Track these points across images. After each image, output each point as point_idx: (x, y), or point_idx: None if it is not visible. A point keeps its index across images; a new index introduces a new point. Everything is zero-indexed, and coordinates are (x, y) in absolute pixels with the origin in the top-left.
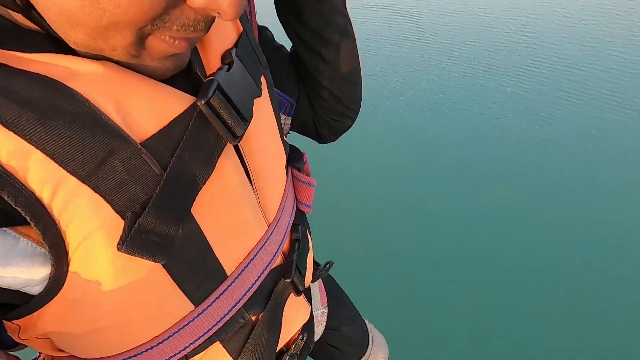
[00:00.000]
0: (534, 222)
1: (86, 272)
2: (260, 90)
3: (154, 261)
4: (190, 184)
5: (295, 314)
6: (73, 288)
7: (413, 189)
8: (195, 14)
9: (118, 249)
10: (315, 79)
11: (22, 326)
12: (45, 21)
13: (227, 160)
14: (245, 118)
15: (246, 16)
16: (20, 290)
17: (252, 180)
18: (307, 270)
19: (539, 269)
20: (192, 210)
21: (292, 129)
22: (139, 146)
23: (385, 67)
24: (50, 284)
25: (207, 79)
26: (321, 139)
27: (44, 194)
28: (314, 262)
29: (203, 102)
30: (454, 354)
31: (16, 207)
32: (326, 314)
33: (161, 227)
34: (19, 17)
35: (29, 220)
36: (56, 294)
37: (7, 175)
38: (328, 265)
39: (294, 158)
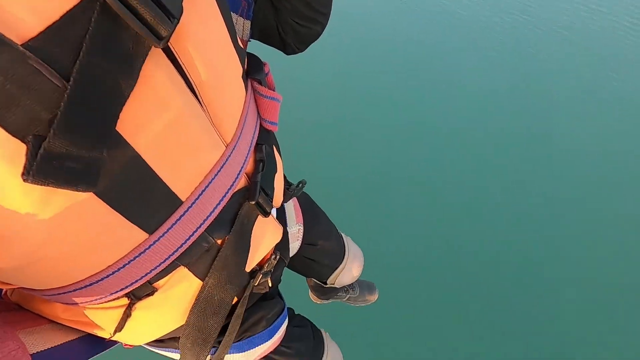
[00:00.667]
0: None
1: None
2: None
3: (77, 191)
4: (107, 97)
5: (265, 235)
6: None
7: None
8: None
9: (23, 180)
10: (278, 32)
11: None
12: None
13: (157, 68)
14: (171, 14)
15: None
16: None
17: (197, 94)
18: (275, 191)
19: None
20: (120, 130)
21: (252, 36)
22: (21, 49)
23: None
24: None
25: None
26: (287, 48)
27: None
28: (286, 181)
29: None
30: (431, 264)
31: None
32: (302, 231)
33: (78, 151)
34: None
35: None
36: None
37: None
38: (300, 185)
39: (253, 69)
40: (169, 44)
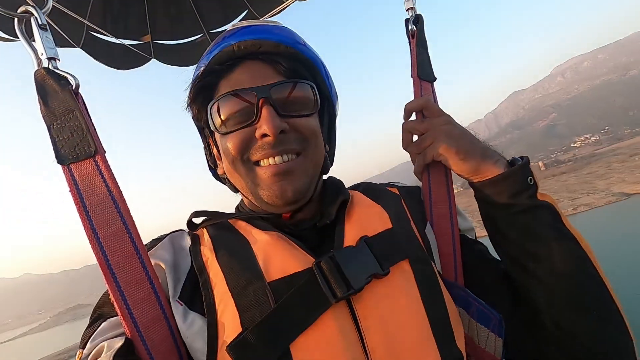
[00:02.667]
0: None
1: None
2: (386, 271)
3: None
4: (290, 324)
5: None
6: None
7: None
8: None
9: (226, 350)
10: (528, 299)
11: None
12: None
13: (333, 319)
14: (351, 286)
15: (407, 220)
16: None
17: (366, 348)
18: None
19: None
20: (291, 348)
21: (507, 356)
22: (266, 284)
23: None
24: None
25: (330, 252)
26: None
27: (216, 298)
28: None
29: (313, 264)
30: None
31: (204, 302)
32: None
33: (260, 346)
34: (246, 201)
35: (205, 313)
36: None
37: (208, 284)
38: None
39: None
40: (353, 306)
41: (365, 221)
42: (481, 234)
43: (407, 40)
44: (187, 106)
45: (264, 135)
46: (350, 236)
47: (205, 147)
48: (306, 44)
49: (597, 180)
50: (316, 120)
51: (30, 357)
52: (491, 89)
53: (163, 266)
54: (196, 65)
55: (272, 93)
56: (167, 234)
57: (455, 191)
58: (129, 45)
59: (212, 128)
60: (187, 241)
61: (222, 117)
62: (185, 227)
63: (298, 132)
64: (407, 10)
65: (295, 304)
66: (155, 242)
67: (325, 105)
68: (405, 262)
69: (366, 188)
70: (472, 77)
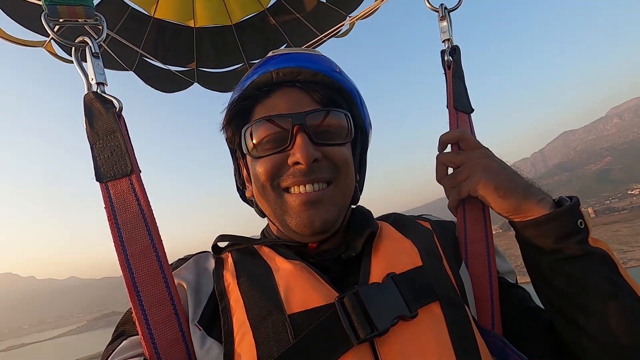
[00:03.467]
0: None
1: None
2: (414, 313)
3: None
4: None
5: None
6: None
7: None
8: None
9: None
10: (575, 355)
11: None
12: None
13: (354, 358)
14: (375, 327)
15: (439, 258)
16: None
17: None
18: None
19: None
20: None
21: None
22: (286, 316)
23: None
24: None
25: (354, 287)
26: None
27: (235, 327)
28: None
29: (336, 299)
30: None
31: (222, 329)
32: None
33: None
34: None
35: (222, 341)
36: None
37: (228, 310)
38: None
39: None
40: (377, 349)
41: (393, 256)
42: (523, 279)
43: (443, 72)
44: (222, 128)
45: (297, 163)
46: (377, 272)
47: (235, 168)
48: (342, 72)
49: None
50: (349, 149)
51: (67, 357)
52: (541, 128)
53: (185, 287)
54: (234, 89)
55: (307, 120)
56: (193, 255)
57: (493, 232)
58: (176, 71)
59: (245, 151)
60: (212, 264)
61: (255, 141)
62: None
63: (330, 160)
64: (443, 42)
65: (315, 341)
66: (181, 262)
67: (359, 135)
68: (436, 305)
69: (396, 220)
70: (521, 113)
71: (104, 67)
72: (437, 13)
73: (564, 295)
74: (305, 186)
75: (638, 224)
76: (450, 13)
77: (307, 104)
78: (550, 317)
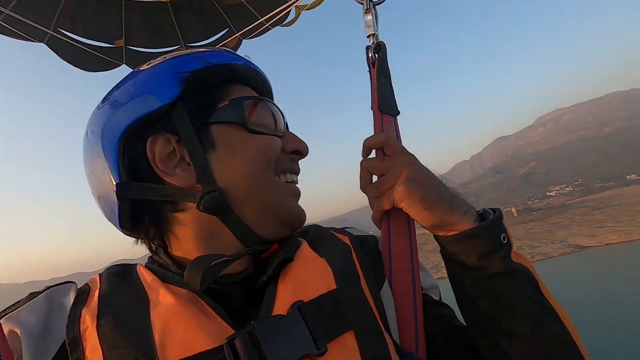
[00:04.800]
0: None
1: None
2: (322, 350)
3: None
4: None
5: None
6: None
7: None
8: None
9: None
10: None
11: None
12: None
13: None
14: None
15: (357, 278)
16: None
17: None
18: None
19: None
20: None
21: None
22: None
23: None
24: None
25: (251, 324)
26: None
27: None
28: None
29: (225, 341)
30: None
31: None
32: None
33: None
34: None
35: None
36: None
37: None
38: None
39: None
40: None
41: (303, 280)
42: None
43: (368, 70)
44: (178, 83)
45: (296, 152)
46: (283, 301)
47: (153, 145)
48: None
49: (558, 230)
50: None
51: None
52: (480, 133)
53: (20, 334)
54: (193, 55)
55: None
56: (49, 287)
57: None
58: (100, 47)
59: (237, 120)
60: (71, 299)
61: (260, 116)
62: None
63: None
64: (368, 37)
65: None
66: (31, 296)
67: None
68: (350, 335)
69: (314, 236)
70: (464, 118)
71: (7, 35)
72: (362, 5)
73: (488, 317)
74: (295, 176)
75: (549, 222)
76: (376, 7)
77: None
78: (474, 337)
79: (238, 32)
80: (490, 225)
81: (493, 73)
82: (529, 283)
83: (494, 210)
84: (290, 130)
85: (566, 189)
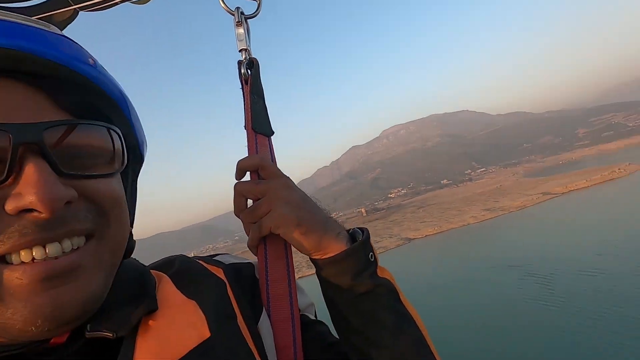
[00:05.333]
0: None
1: None
2: None
3: None
4: None
5: None
6: None
7: None
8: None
9: None
10: None
11: None
12: None
13: None
14: None
15: (233, 317)
16: None
17: None
18: None
19: None
20: None
21: None
22: None
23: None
24: None
25: None
26: None
27: None
28: None
29: None
30: None
31: None
32: None
33: None
34: None
35: None
36: None
37: None
38: None
39: None
40: None
41: (169, 335)
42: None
43: (240, 87)
44: None
45: (28, 210)
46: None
47: None
48: (99, 65)
49: (395, 226)
50: (119, 181)
51: None
52: (339, 140)
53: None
54: None
55: (47, 137)
56: None
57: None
58: None
59: None
60: None
61: None
62: None
63: (91, 201)
64: (240, 51)
65: None
66: None
67: (131, 158)
68: None
69: (179, 272)
70: (327, 128)
71: None
72: (233, 17)
73: (358, 331)
74: (44, 249)
75: (389, 220)
76: (249, 20)
77: (43, 112)
78: (347, 350)
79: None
80: (361, 245)
81: (353, 89)
82: (391, 295)
83: (361, 229)
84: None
85: (402, 191)
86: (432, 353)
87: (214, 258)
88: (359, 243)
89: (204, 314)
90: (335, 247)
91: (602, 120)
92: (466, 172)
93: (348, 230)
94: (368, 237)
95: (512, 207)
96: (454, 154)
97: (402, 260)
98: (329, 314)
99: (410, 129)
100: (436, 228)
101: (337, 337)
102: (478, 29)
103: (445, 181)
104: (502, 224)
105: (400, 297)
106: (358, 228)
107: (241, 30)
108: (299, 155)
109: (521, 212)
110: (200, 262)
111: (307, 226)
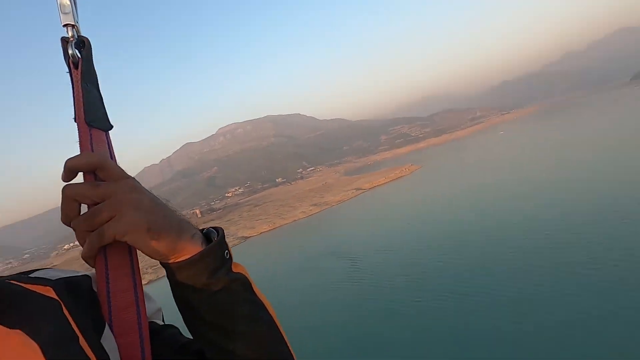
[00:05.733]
0: None
1: None
2: None
3: None
4: None
5: None
6: None
7: None
8: None
9: None
10: None
11: None
12: None
13: None
14: None
15: (74, 338)
16: None
17: None
18: None
19: None
20: None
21: None
22: None
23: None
24: None
25: None
26: None
27: None
28: None
29: None
30: None
31: None
32: None
33: None
34: None
35: None
36: None
37: None
38: None
39: None
40: None
41: None
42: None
43: (67, 71)
44: None
45: None
46: None
47: None
48: None
49: (231, 226)
50: None
51: None
52: (169, 137)
53: None
54: None
55: None
56: None
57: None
58: None
59: None
60: None
61: None
62: None
63: None
64: (65, 26)
65: None
66: None
67: None
68: None
69: None
70: (154, 123)
71: None
72: None
73: (215, 326)
74: None
75: (225, 220)
76: None
77: None
78: (203, 346)
79: None
80: (218, 244)
81: (192, 84)
82: (245, 287)
83: (216, 228)
84: None
85: (239, 190)
86: (281, 333)
87: (32, 275)
88: (215, 243)
89: (36, 342)
90: (191, 249)
91: (396, 130)
92: (298, 170)
93: (202, 230)
94: (223, 236)
95: (333, 202)
96: (288, 154)
97: (239, 259)
98: (180, 314)
99: (247, 127)
100: (270, 225)
101: (189, 336)
102: (307, 40)
103: (280, 179)
104: (325, 217)
105: (253, 288)
106: (212, 227)
107: (67, 1)
108: (118, 152)
109: (339, 205)
110: (14, 283)
111: (159, 230)
